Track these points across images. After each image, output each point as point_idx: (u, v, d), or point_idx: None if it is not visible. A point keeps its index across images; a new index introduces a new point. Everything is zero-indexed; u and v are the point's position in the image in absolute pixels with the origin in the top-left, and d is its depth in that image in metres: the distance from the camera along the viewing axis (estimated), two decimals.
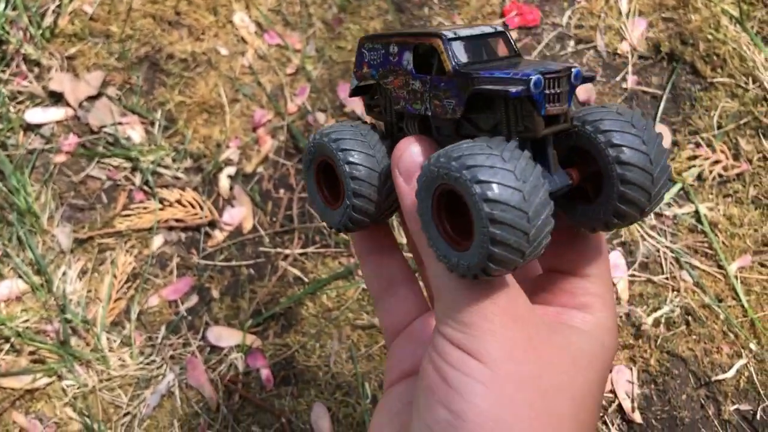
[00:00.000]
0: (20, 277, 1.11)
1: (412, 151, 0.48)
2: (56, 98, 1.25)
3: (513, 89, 0.41)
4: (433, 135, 0.49)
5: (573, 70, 0.43)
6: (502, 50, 0.48)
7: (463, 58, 0.45)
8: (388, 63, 0.50)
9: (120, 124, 1.22)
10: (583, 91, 1.21)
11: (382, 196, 0.51)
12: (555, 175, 0.45)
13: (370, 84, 0.52)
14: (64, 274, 1.12)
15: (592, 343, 0.48)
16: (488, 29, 0.47)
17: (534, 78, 0.41)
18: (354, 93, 0.53)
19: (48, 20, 1.30)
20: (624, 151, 0.43)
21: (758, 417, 0.96)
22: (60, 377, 1.05)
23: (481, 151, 0.40)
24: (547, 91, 0.42)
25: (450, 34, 0.46)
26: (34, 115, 1.22)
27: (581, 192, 0.47)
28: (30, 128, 1.23)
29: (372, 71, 0.51)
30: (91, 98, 1.25)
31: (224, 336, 1.08)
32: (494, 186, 0.39)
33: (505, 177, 0.39)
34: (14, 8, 1.30)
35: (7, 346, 1.07)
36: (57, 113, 1.23)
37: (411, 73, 0.48)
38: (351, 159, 0.50)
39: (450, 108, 0.46)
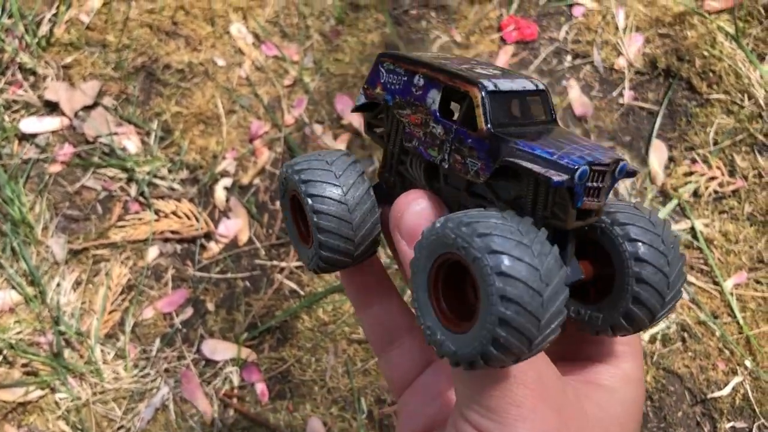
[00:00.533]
0: (14, 288, 1.10)
1: (416, 211, 0.42)
2: (51, 107, 1.25)
3: (556, 178, 0.36)
4: (439, 183, 0.44)
5: (620, 164, 0.38)
6: (537, 110, 0.43)
7: (499, 117, 0.40)
8: (409, 94, 0.44)
9: (116, 134, 1.22)
10: (579, 105, 1.21)
11: (357, 231, 0.45)
12: (568, 266, 0.40)
13: (378, 104, 0.47)
14: (58, 285, 1.11)
15: (624, 403, 0.45)
16: (530, 86, 0.42)
17: (580, 170, 0.36)
18: (358, 108, 0.48)
19: (44, 29, 1.30)
20: (641, 248, 0.40)
21: None
22: (53, 390, 1.04)
23: (497, 221, 0.35)
24: (589, 184, 0.37)
25: (491, 86, 0.40)
26: (29, 124, 1.22)
27: (584, 291, 0.43)
28: (25, 138, 1.22)
29: (387, 95, 0.45)
30: (87, 108, 1.24)
31: (219, 349, 1.07)
32: (509, 259, 0.34)
33: (522, 251, 0.34)
34: (10, 16, 1.29)
35: None
36: (52, 123, 1.23)
37: (434, 115, 0.42)
38: (312, 191, 0.45)
39: (473, 170, 0.40)
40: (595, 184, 0.37)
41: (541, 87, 0.43)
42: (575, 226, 0.39)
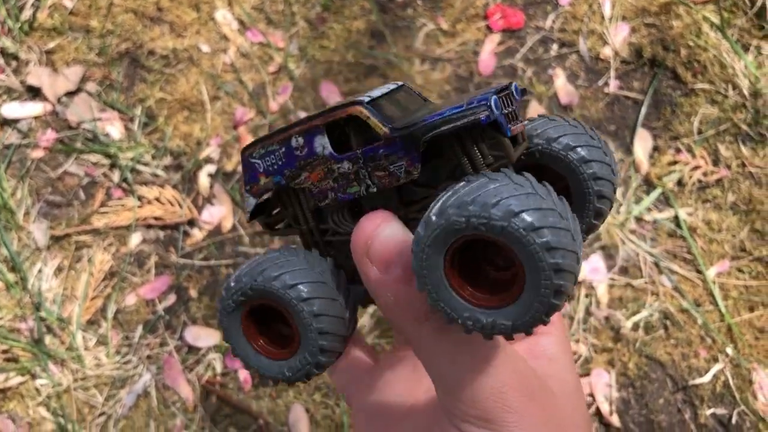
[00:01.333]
0: None
1: (387, 234, 0.40)
2: (34, 93, 1.23)
3: (482, 116, 0.38)
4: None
5: (512, 84, 0.41)
6: (412, 100, 0.45)
7: (389, 116, 0.41)
8: (296, 159, 0.43)
9: (99, 120, 1.21)
10: (565, 94, 1.21)
11: (346, 322, 0.44)
12: None
13: (268, 199, 0.46)
14: (39, 271, 1.11)
15: (569, 370, 0.47)
16: (392, 85, 0.44)
17: (493, 99, 0.38)
18: (254, 215, 0.46)
19: (27, 13, 1.28)
20: (596, 167, 0.42)
21: (733, 421, 0.97)
22: (34, 376, 1.03)
23: (517, 191, 0.36)
24: (504, 111, 0.39)
25: (366, 98, 0.41)
26: (12, 109, 1.21)
27: None
28: (7, 123, 1.21)
29: (274, 178, 0.45)
30: (70, 93, 1.23)
31: (202, 336, 1.07)
32: (553, 232, 0.35)
33: (556, 220, 0.35)
34: None
35: None
36: (35, 108, 1.22)
37: (333, 157, 0.42)
38: (306, 294, 0.42)
39: (402, 171, 0.41)
40: (508, 109, 0.39)
41: (400, 83, 0.45)
42: (516, 156, 0.40)
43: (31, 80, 1.22)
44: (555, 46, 1.25)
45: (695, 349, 1.02)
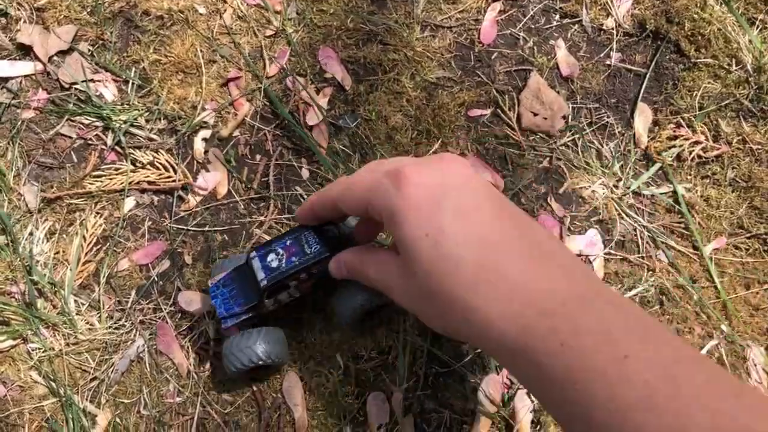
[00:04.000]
0: None
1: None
2: (24, 51, 1.21)
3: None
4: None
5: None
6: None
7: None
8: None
9: (92, 81, 1.18)
10: (566, 66, 1.20)
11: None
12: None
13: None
14: (30, 234, 1.09)
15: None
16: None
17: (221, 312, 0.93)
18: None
19: None
20: None
21: None
22: (25, 340, 1.02)
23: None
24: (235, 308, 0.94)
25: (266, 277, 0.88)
26: (1, 68, 1.18)
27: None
28: None
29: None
30: (62, 53, 1.21)
31: (194, 300, 1.06)
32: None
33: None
34: None
35: None
36: (25, 67, 1.19)
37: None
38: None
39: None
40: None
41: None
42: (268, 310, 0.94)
43: (22, 38, 1.19)
44: (557, 17, 1.23)
45: (690, 325, 1.02)
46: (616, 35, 1.21)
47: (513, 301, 0.61)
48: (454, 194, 0.66)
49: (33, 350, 1.02)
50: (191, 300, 1.05)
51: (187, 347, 1.02)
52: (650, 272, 1.06)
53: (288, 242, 0.87)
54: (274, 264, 0.85)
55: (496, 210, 0.67)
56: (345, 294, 0.92)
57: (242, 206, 1.12)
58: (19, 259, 1.06)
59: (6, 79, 1.18)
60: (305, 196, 1.12)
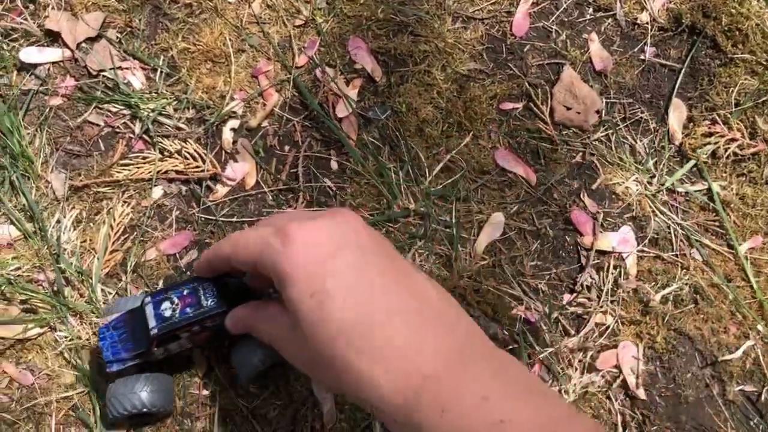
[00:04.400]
0: (12, 223, 1.07)
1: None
2: (52, 38, 1.20)
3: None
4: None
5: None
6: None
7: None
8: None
9: (120, 68, 1.17)
10: (599, 60, 1.18)
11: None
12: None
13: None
14: (58, 222, 1.08)
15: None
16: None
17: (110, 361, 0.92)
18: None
19: None
20: None
21: (762, 398, 0.96)
22: (52, 328, 1.02)
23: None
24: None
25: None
26: (29, 54, 1.17)
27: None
28: (24, 68, 1.18)
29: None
30: (90, 40, 1.20)
31: None
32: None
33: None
34: None
35: None
36: (53, 54, 1.18)
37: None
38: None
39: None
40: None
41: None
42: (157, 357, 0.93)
43: (50, 25, 1.19)
44: (590, 10, 1.21)
45: (725, 325, 1.00)
46: (651, 29, 1.19)
47: (398, 367, 0.60)
48: (341, 253, 0.65)
49: (60, 339, 1.01)
50: None
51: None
52: (684, 270, 1.04)
53: (185, 292, 0.85)
54: (168, 313, 0.82)
55: (384, 268, 0.66)
56: (243, 350, 0.91)
57: (271, 197, 1.11)
58: (46, 246, 1.06)
59: (34, 66, 1.17)
60: (334, 189, 1.11)
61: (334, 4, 1.22)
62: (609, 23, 1.20)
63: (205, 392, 0.98)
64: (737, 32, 1.15)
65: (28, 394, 0.99)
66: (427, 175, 1.10)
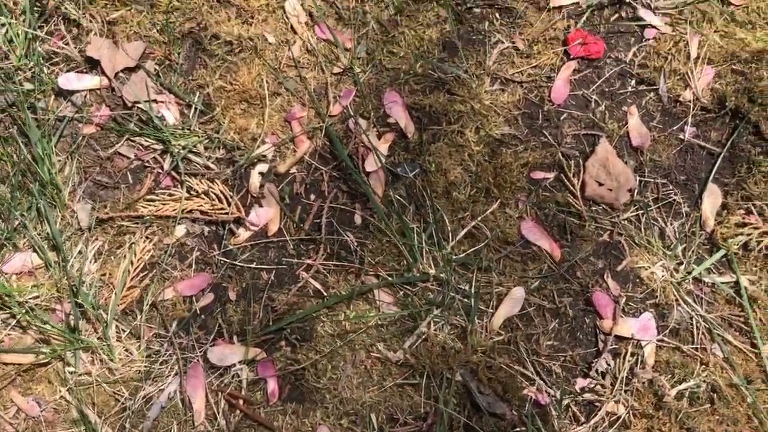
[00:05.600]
0: (35, 251, 1.08)
1: None
2: (92, 64, 1.20)
3: None
4: None
5: None
6: None
7: None
8: None
9: (155, 101, 1.18)
10: (637, 135, 1.16)
11: None
12: None
13: None
14: (80, 252, 1.09)
15: None
16: None
17: None
18: None
19: None
20: None
21: None
22: (64, 361, 1.02)
23: None
24: None
25: None
26: (69, 81, 1.18)
27: None
28: (61, 93, 1.19)
29: None
30: (128, 70, 1.20)
31: (227, 356, 1.04)
32: None
33: None
34: None
35: (13, 321, 1.04)
36: (91, 81, 1.19)
37: None
38: None
39: None
40: None
41: None
42: None
43: (90, 52, 1.19)
44: (633, 82, 1.19)
45: (740, 429, 0.98)
46: (693, 108, 1.16)
47: None
48: None
49: (70, 374, 1.02)
50: (224, 355, 1.04)
51: (217, 392, 1.01)
52: (703, 366, 1.02)
53: None
54: None
55: None
56: None
57: (291, 246, 1.11)
58: (66, 277, 1.06)
59: (72, 92, 1.18)
60: (356, 244, 1.10)
61: (374, 54, 1.21)
62: (650, 97, 1.18)
63: None
64: None
65: (34, 426, 1.00)
66: (450, 240, 1.09)
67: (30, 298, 1.05)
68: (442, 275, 1.06)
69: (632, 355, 1.03)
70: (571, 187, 1.12)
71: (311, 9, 1.24)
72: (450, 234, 1.09)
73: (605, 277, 1.07)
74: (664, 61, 1.18)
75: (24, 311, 1.03)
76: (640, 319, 1.04)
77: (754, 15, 1.19)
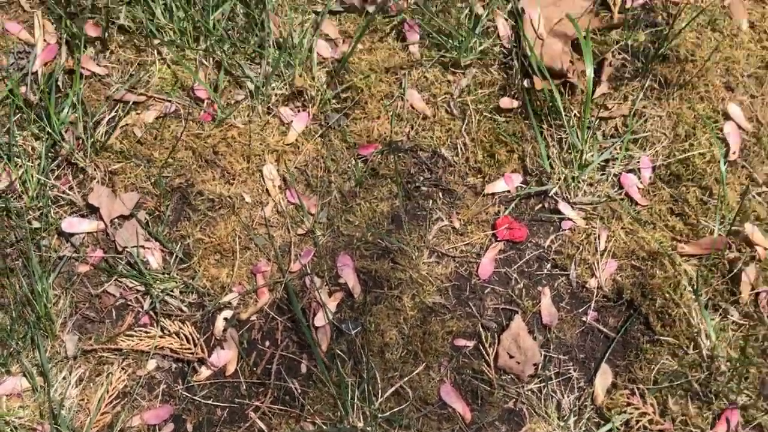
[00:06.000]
0: (24, 376, 1.27)
1: None
2: (91, 210, 1.41)
3: None
4: None
5: None
6: None
7: None
8: None
9: (143, 247, 1.38)
10: (547, 314, 1.37)
11: None
12: None
13: None
14: (64, 378, 1.28)
15: None
16: None
17: None
18: None
19: (101, 130, 1.46)
20: None
21: None
22: None
23: None
24: None
25: None
26: (71, 225, 1.38)
27: None
28: (63, 235, 1.39)
29: None
30: (123, 217, 1.41)
31: None
32: None
33: None
34: (74, 108, 1.45)
35: None
36: (90, 225, 1.39)
37: None
38: None
39: None
40: None
41: None
42: None
43: (92, 200, 1.40)
44: (548, 266, 1.41)
45: None
46: (596, 295, 1.38)
47: None
48: None
49: None
50: None
51: None
52: None
53: None
54: None
55: None
56: None
57: (244, 387, 1.30)
58: (48, 402, 1.25)
59: (72, 234, 1.39)
60: (299, 391, 1.29)
61: (334, 220, 1.43)
62: (562, 281, 1.39)
63: None
64: (667, 316, 1.34)
65: None
66: (380, 396, 1.28)
67: (15, 418, 1.23)
68: (368, 429, 1.25)
69: None
70: (487, 356, 1.32)
71: (285, 174, 1.45)
72: (380, 391, 1.29)
73: None
74: (576, 250, 1.40)
75: (9, 430, 1.20)
76: None
77: (656, 216, 1.42)
